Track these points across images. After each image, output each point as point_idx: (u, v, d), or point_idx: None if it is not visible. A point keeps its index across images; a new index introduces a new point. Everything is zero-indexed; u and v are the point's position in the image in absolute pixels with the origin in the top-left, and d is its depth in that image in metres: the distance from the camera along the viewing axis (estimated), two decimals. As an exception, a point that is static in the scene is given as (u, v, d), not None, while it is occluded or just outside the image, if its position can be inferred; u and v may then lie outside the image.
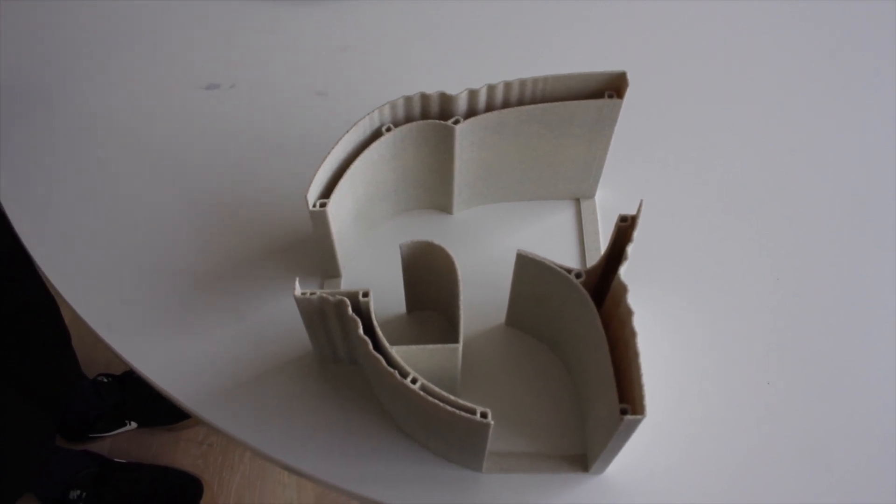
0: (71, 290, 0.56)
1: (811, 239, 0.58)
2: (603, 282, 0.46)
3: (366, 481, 0.47)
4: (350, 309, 0.43)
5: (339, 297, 0.44)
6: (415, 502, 0.46)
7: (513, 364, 0.52)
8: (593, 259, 0.56)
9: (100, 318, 0.55)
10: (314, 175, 0.48)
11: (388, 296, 0.55)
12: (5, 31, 0.74)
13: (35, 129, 0.66)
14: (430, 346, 0.44)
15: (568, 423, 0.49)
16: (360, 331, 0.43)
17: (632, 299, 0.41)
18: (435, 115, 0.52)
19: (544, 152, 0.56)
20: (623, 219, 0.44)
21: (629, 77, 0.51)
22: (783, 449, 0.48)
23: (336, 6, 0.75)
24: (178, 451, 1.22)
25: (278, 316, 0.55)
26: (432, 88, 0.51)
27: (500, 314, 0.54)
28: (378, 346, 0.43)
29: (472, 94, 0.51)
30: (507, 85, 0.51)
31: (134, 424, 1.21)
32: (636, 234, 0.43)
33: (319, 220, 0.49)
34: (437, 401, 0.40)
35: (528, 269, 0.47)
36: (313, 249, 0.58)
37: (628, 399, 0.39)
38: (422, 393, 0.41)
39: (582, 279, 0.45)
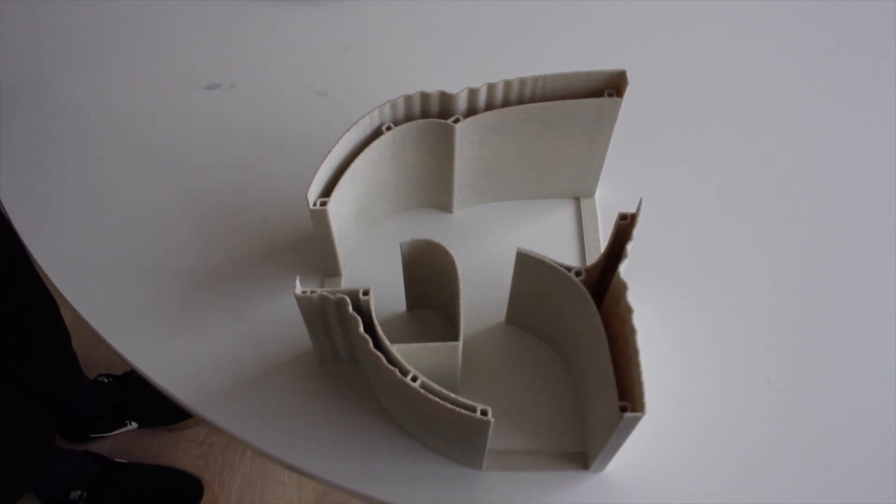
0: (71, 290, 0.56)
1: (811, 238, 0.58)
2: (603, 280, 0.46)
3: (366, 479, 0.47)
4: (350, 307, 0.43)
5: (339, 295, 0.44)
6: (415, 500, 0.46)
7: (513, 362, 0.52)
8: (593, 257, 0.56)
9: (100, 318, 0.55)
10: (314, 174, 0.48)
11: (388, 294, 0.55)
12: (5, 31, 0.74)
13: (35, 129, 0.66)
14: (431, 344, 0.44)
15: (568, 421, 0.49)
16: (361, 329, 0.43)
17: (631, 297, 0.41)
18: (435, 113, 0.52)
19: (544, 151, 0.56)
20: (623, 217, 0.44)
21: (629, 76, 0.51)
22: (783, 447, 0.48)
23: (336, 6, 0.75)
24: (178, 452, 1.22)
25: (279, 315, 0.55)
26: (433, 88, 0.51)
27: (500, 312, 0.54)
28: (378, 344, 0.43)
29: (472, 92, 0.51)
30: (508, 84, 0.51)
31: (134, 424, 1.21)
32: (636, 232, 0.43)
33: (320, 218, 0.50)
34: (437, 398, 0.40)
35: (529, 268, 0.47)
36: (314, 248, 0.58)
37: (628, 396, 0.40)
38: (422, 391, 0.41)
39: (582, 277, 0.45)
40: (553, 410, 0.50)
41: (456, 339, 0.45)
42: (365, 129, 0.51)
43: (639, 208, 0.44)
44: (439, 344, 0.44)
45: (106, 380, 1.19)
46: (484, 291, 0.55)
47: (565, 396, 0.50)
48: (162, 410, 1.20)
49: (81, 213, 0.61)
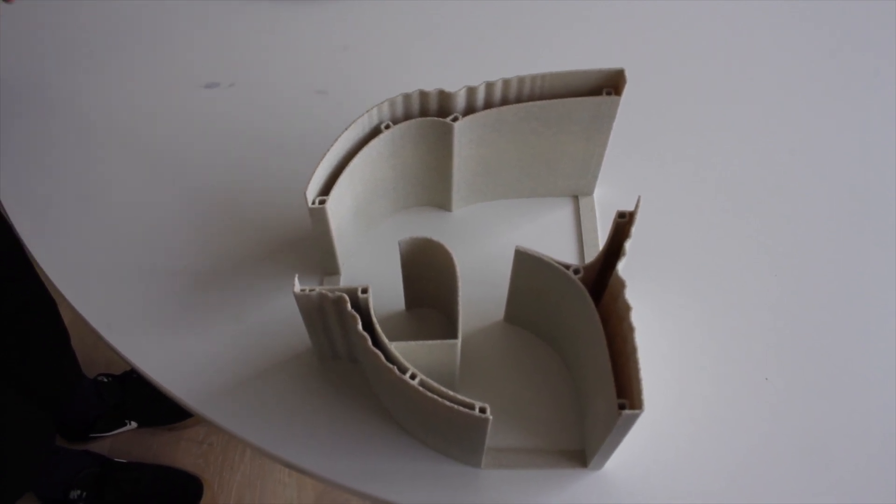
0: (71, 290, 0.57)
1: (810, 237, 0.58)
2: (601, 278, 0.46)
3: (365, 478, 0.47)
4: (349, 305, 0.43)
5: (338, 293, 0.44)
6: (414, 498, 0.46)
7: (511, 360, 0.52)
8: (591, 255, 0.57)
9: (100, 318, 0.55)
10: (313, 172, 0.48)
11: (387, 292, 0.55)
12: (5, 31, 0.74)
13: (35, 129, 0.67)
14: (429, 342, 0.44)
15: (566, 419, 0.49)
16: (360, 327, 0.43)
17: (630, 295, 0.41)
18: (434, 112, 0.52)
19: (543, 149, 0.56)
20: (621, 215, 0.44)
21: (628, 75, 0.51)
22: (781, 445, 0.48)
23: (336, 6, 0.76)
24: (178, 451, 1.22)
25: (278, 314, 0.55)
26: (432, 87, 0.51)
27: (498, 310, 0.54)
28: (377, 342, 0.43)
29: (471, 91, 0.51)
30: (506, 82, 0.51)
31: (134, 424, 1.21)
32: (634, 230, 0.43)
33: (319, 217, 0.50)
34: (435, 396, 0.40)
35: (527, 266, 0.47)
36: (313, 247, 0.58)
37: (626, 394, 0.40)
38: (421, 388, 0.41)
39: (580, 275, 0.45)
40: (551, 408, 0.50)
41: (454, 337, 0.45)
42: (364, 128, 0.51)
43: (637, 206, 0.44)
44: (438, 342, 0.44)
45: (106, 379, 1.19)
46: (482, 289, 0.55)
47: (564, 394, 0.50)
48: (162, 410, 1.20)
49: (81, 213, 0.61)
